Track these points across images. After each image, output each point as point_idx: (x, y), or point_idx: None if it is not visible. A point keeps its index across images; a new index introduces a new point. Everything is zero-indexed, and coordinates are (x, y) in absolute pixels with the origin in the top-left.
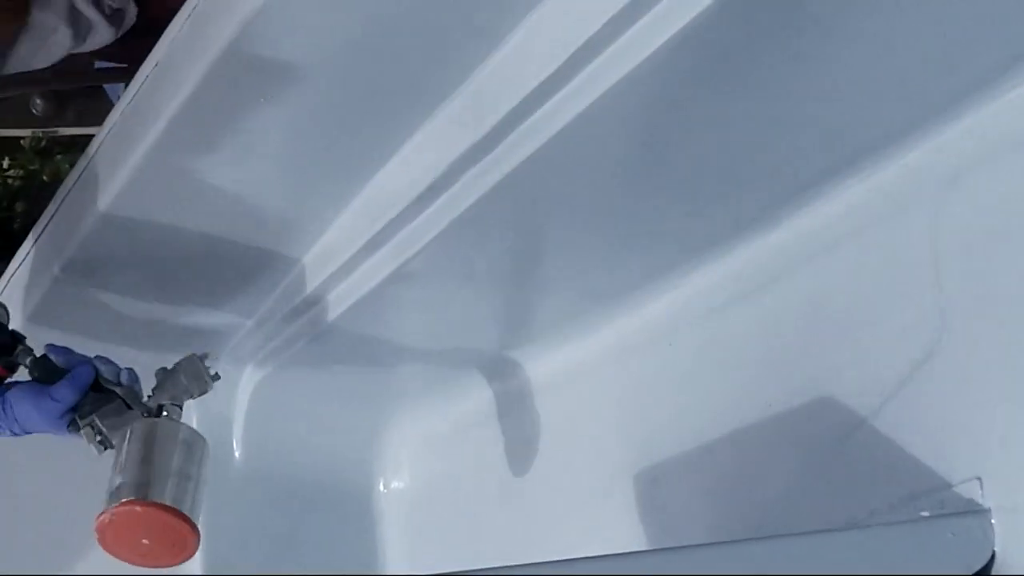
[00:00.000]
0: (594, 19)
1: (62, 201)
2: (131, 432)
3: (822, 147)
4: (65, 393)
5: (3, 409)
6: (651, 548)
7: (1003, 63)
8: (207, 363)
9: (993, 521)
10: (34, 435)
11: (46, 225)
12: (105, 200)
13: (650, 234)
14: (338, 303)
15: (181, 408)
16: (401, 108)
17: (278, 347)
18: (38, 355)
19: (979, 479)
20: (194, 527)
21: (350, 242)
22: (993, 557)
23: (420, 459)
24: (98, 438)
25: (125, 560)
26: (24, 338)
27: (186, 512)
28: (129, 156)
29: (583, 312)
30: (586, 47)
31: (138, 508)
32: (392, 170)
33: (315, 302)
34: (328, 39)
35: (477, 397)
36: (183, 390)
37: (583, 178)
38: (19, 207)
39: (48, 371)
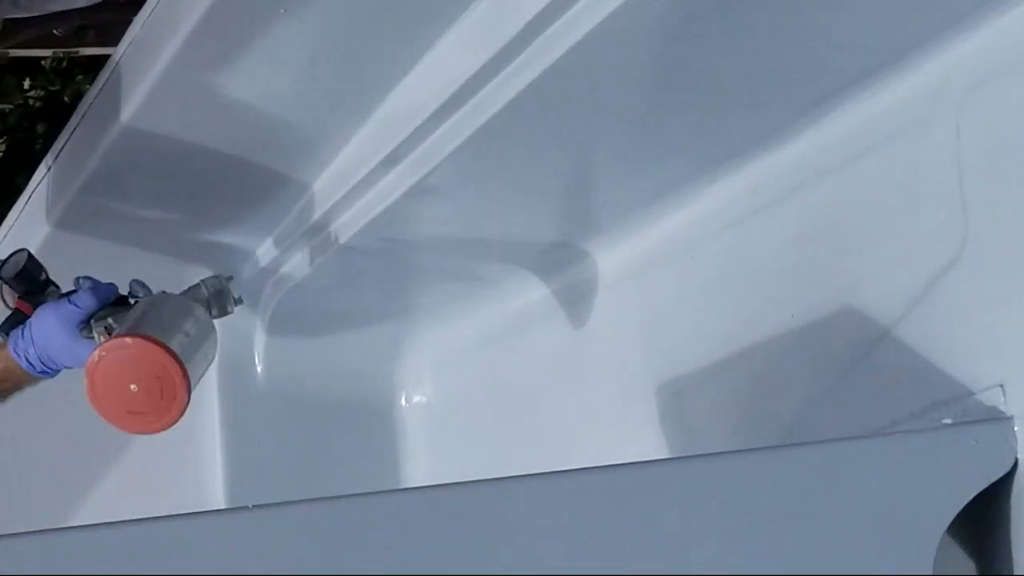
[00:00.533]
0: None
1: (83, 116)
2: (148, 298)
3: (843, 58)
4: (86, 300)
5: (23, 333)
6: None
7: None
8: (231, 285)
9: (1016, 428)
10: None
11: (67, 140)
12: (125, 114)
13: (669, 147)
14: (359, 218)
15: None
16: (420, 19)
17: (299, 263)
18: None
19: (1001, 386)
20: (186, 377)
21: (370, 156)
22: (1016, 464)
23: (442, 373)
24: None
25: (113, 421)
26: (53, 282)
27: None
28: (148, 71)
29: (603, 227)
30: None
31: (128, 340)
32: (412, 83)
33: (335, 217)
34: None
35: (498, 312)
36: (204, 304)
37: (602, 90)
38: (40, 128)
39: None
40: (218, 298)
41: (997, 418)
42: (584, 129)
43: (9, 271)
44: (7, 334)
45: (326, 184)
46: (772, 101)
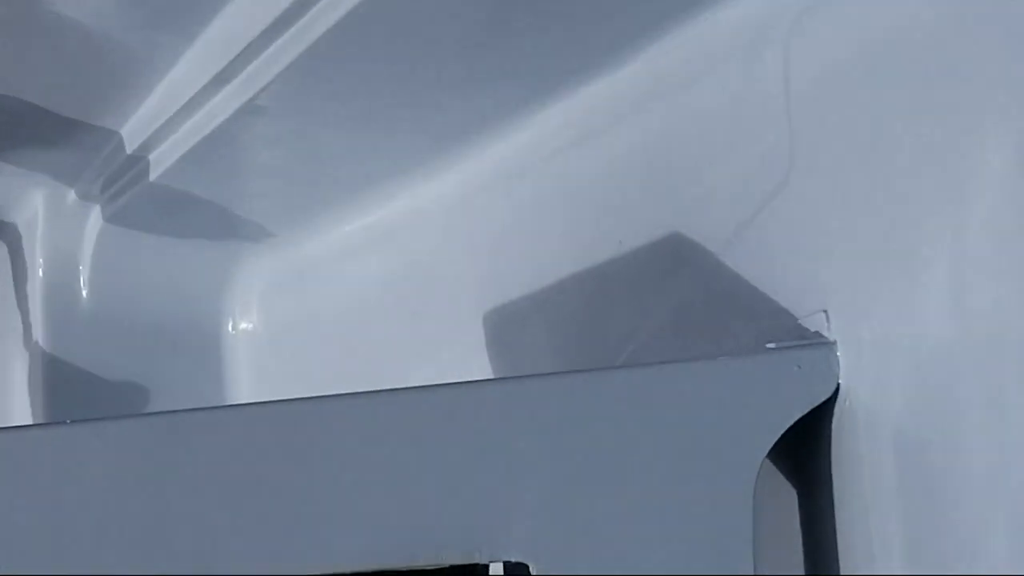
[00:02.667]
0: None
1: None
2: None
3: None
4: None
5: None
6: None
7: None
8: None
9: (839, 353)
10: None
11: None
12: None
13: (501, 71)
14: (187, 138)
15: None
16: None
17: (125, 184)
18: None
19: (825, 312)
20: None
21: (198, 78)
22: (838, 389)
23: (270, 300)
24: None
25: None
26: None
27: None
28: None
29: (430, 153)
30: None
31: None
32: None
33: (164, 138)
34: None
35: (325, 239)
36: None
37: (431, 12)
38: None
39: None
40: None
41: (820, 343)
42: (415, 52)
43: None
44: None
45: (155, 106)
46: (602, 26)
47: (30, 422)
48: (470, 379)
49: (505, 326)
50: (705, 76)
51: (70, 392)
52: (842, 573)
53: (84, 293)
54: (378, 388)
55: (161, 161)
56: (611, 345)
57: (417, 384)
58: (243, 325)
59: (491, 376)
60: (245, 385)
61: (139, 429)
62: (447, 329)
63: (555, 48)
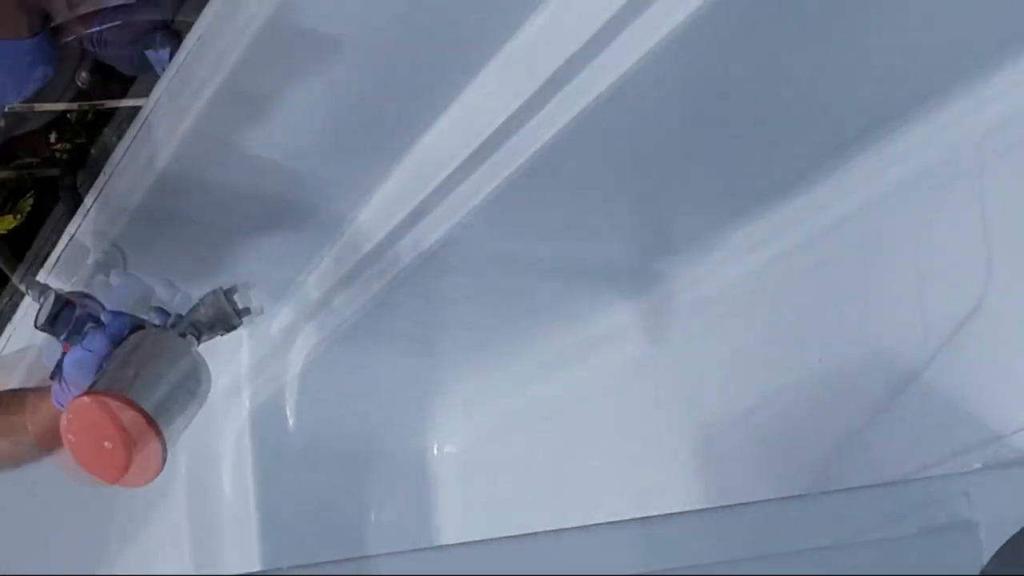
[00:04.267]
0: None
1: (113, 170)
2: (129, 340)
3: (874, 99)
4: (97, 343)
5: (60, 384)
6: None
7: None
8: (235, 297)
9: None
10: None
11: (99, 194)
12: (159, 165)
13: (693, 195)
14: (389, 269)
15: (197, 339)
16: (441, 73)
17: (329, 316)
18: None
19: None
20: (155, 429)
21: (396, 210)
22: None
23: (472, 424)
24: None
25: (100, 477)
26: (93, 316)
27: (152, 413)
28: (177, 127)
29: (629, 277)
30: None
31: (87, 400)
32: (435, 136)
33: (365, 269)
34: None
35: (529, 361)
36: (206, 326)
37: (620, 144)
38: (67, 180)
39: None
40: (220, 316)
41: None
42: (603, 184)
43: (43, 318)
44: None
45: (354, 236)
46: (793, 149)
47: (243, 563)
48: (678, 503)
49: (707, 445)
50: (898, 195)
51: (281, 523)
52: None
53: (291, 421)
54: (578, 513)
55: (360, 295)
56: (812, 464)
57: (618, 508)
58: (448, 448)
59: (694, 496)
60: (450, 507)
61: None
62: (649, 449)
63: (745, 172)
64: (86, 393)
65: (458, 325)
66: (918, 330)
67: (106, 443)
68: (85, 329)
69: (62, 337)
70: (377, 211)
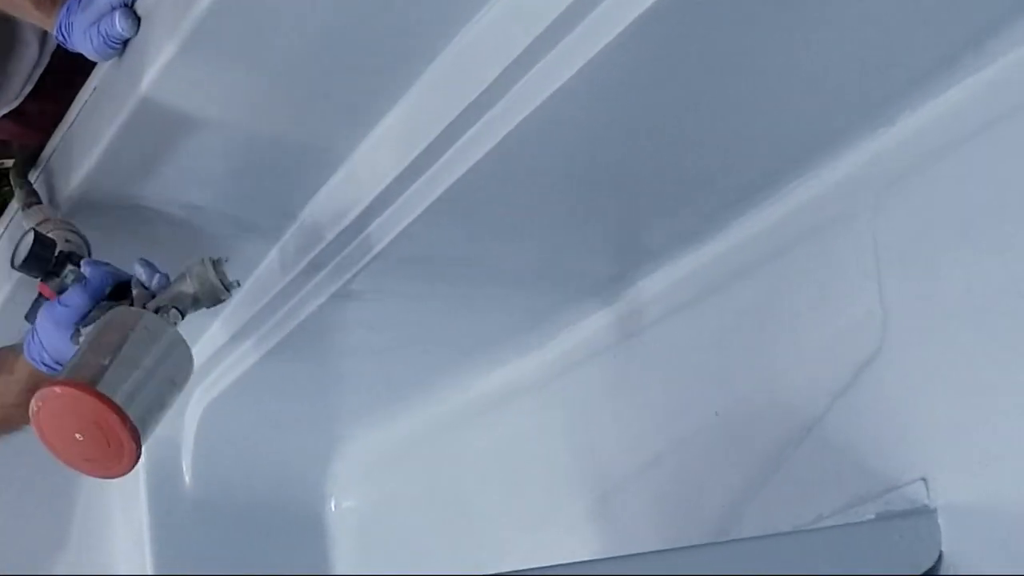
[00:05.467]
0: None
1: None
2: (104, 317)
3: (768, 153)
4: (76, 298)
5: (33, 336)
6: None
7: (934, 64)
8: (223, 268)
9: (940, 521)
10: None
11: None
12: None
13: (588, 248)
14: (285, 323)
15: (182, 314)
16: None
17: (222, 373)
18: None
19: (924, 480)
20: (127, 423)
21: (293, 263)
22: (940, 557)
23: (370, 478)
24: None
25: (74, 466)
26: (79, 260)
27: (122, 406)
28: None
29: (527, 329)
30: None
31: (58, 390)
32: (336, 185)
33: (258, 326)
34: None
35: (424, 416)
36: (190, 299)
37: (518, 198)
38: None
39: None
40: (207, 289)
41: (920, 511)
42: (506, 234)
43: (19, 257)
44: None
45: (249, 291)
46: (690, 202)
47: None
48: (570, 555)
49: (600, 501)
50: (794, 247)
51: None
52: None
53: (187, 478)
54: (478, 565)
55: (257, 348)
56: (709, 518)
57: (516, 562)
58: (346, 503)
59: (590, 551)
60: (347, 563)
61: None
62: (543, 505)
63: (642, 225)
64: (57, 383)
65: (352, 382)
66: (815, 380)
67: (77, 435)
68: (65, 272)
69: (38, 278)
70: (273, 262)
